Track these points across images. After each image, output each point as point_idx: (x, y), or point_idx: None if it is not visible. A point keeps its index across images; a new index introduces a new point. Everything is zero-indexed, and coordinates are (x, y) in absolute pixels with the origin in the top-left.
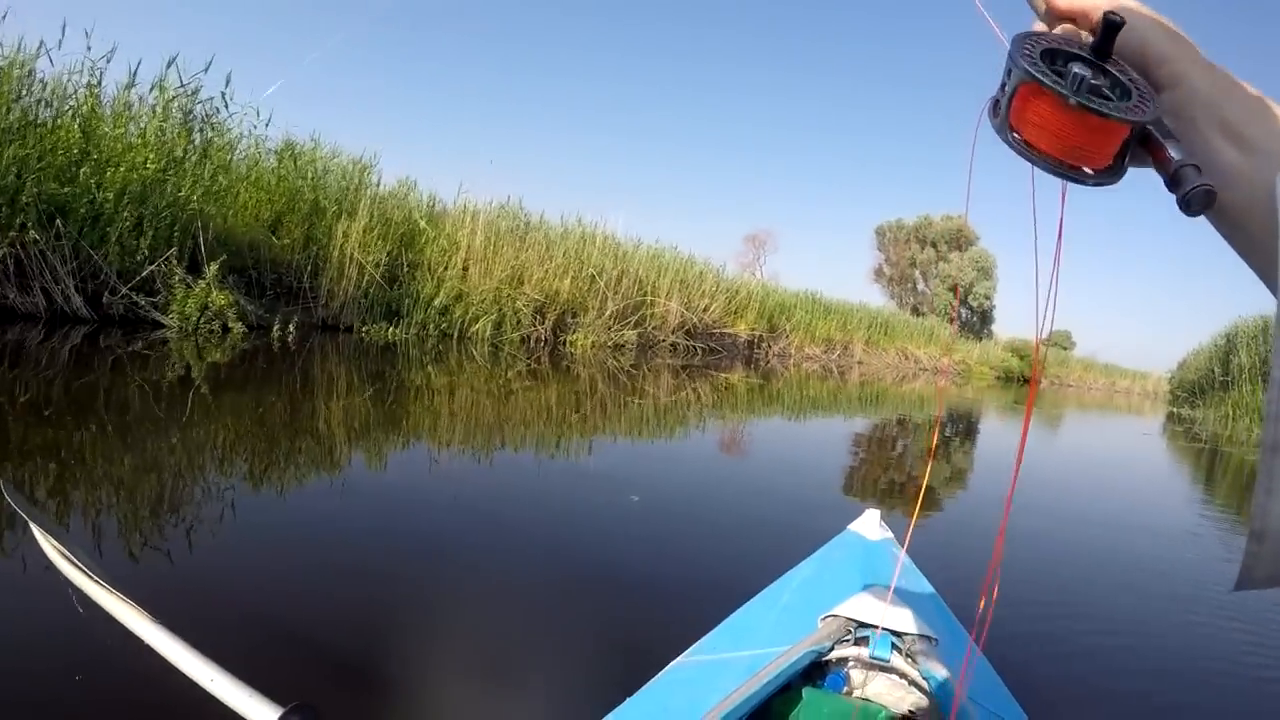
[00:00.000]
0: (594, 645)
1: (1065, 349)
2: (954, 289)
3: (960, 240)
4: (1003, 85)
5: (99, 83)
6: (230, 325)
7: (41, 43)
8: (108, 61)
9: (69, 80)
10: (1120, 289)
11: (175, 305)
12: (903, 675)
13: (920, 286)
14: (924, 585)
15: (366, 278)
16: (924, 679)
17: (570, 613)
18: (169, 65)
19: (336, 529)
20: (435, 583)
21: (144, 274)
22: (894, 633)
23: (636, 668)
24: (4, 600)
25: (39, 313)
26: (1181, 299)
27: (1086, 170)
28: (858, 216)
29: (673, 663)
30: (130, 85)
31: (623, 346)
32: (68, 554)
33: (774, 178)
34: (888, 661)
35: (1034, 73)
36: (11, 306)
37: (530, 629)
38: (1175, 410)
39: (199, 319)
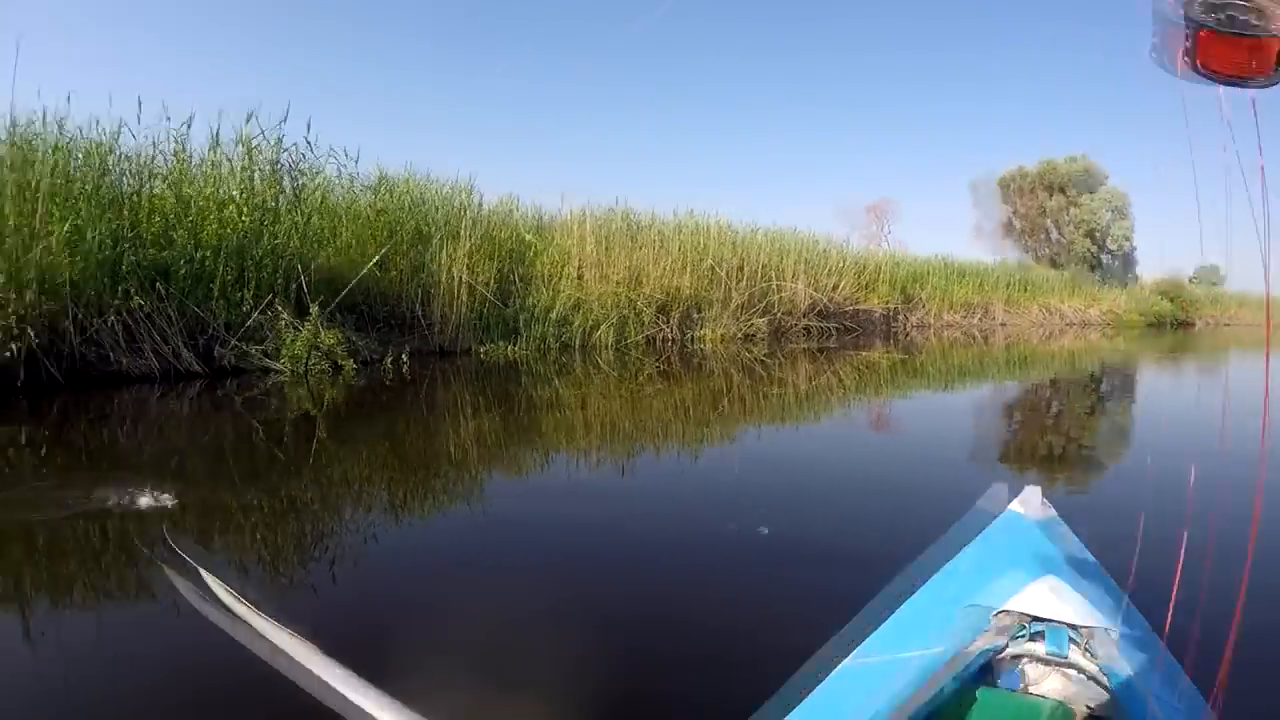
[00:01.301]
0: (752, 644)
1: (1215, 285)
2: (1090, 234)
3: (1090, 181)
4: (1163, 32)
5: (184, 148)
6: (341, 363)
7: (121, 121)
8: (188, 127)
9: (156, 150)
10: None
11: (285, 349)
12: (1082, 671)
13: (1054, 235)
14: (1096, 570)
15: (478, 298)
16: (1104, 675)
17: (728, 610)
18: (248, 120)
19: (479, 550)
20: (583, 600)
21: (250, 323)
22: (1071, 626)
23: (805, 670)
24: (182, 643)
25: (152, 373)
26: None
27: (1260, 79)
28: (978, 170)
29: (844, 662)
30: (215, 145)
31: (754, 336)
32: (238, 595)
33: (884, 144)
34: (1066, 657)
35: (1206, 21)
36: (125, 371)
37: (692, 625)
38: None
39: (308, 360)
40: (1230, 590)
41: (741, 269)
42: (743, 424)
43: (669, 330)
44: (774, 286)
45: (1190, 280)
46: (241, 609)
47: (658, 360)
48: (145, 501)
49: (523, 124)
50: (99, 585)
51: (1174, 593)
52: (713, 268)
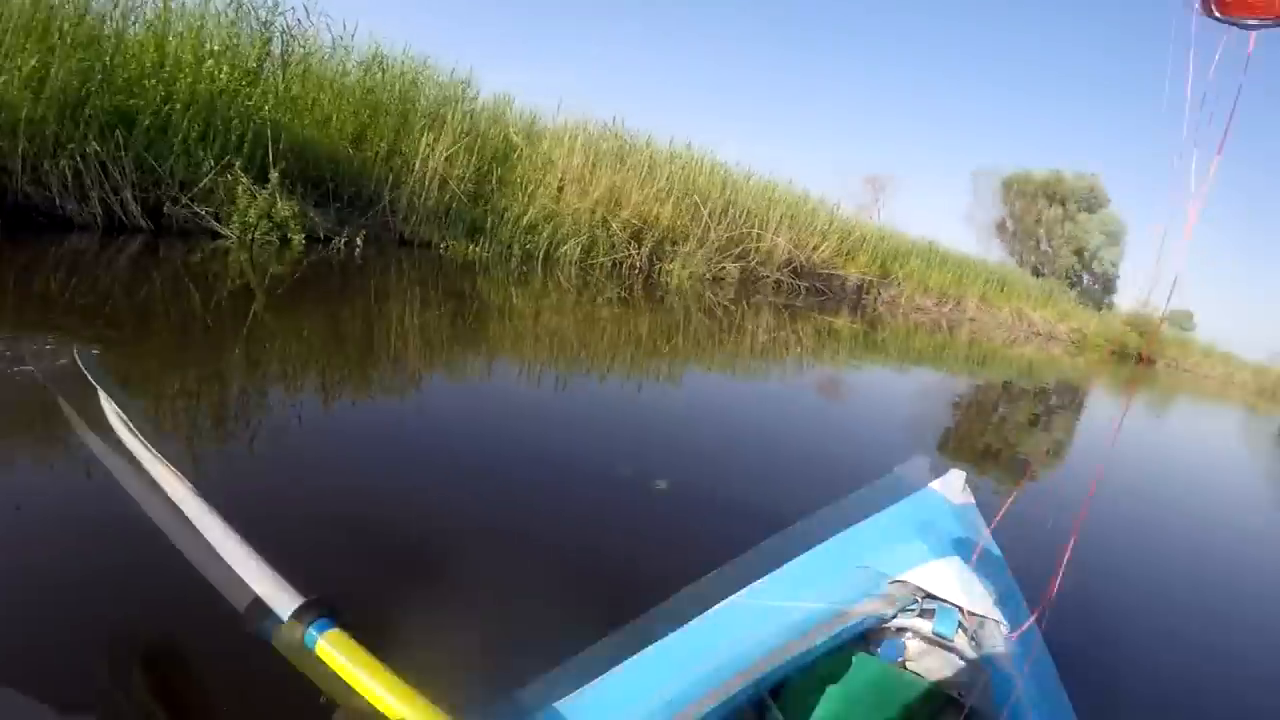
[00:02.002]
0: (639, 573)
1: (1185, 329)
2: (1078, 252)
3: (1091, 202)
4: None
5: None
6: (291, 236)
7: None
8: None
9: None
10: (1252, 271)
11: (237, 214)
12: (963, 657)
13: (1043, 245)
14: (1000, 564)
15: (450, 192)
16: (984, 665)
17: (620, 535)
18: None
19: (392, 441)
20: (483, 503)
21: (205, 183)
22: (962, 610)
23: (687, 601)
24: (57, 464)
25: (96, 223)
26: None
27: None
28: (983, 165)
29: (727, 600)
30: None
31: (723, 280)
32: (128, 421)
33: (899, 117)
34: (950, 640)
35: None
36: (69, 217)
37: (581, 549)
38: None
39: (256, 228)
40: (1106, 596)
41: (726, 211)
42: (691, 365)
43: (638, 259)
44: (754, 235)
45: (1161, 320)
46: (130, 439)
47: (620, 286)
48: (64, 357)
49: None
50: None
51: (1052, 591)
52: (697, 204)
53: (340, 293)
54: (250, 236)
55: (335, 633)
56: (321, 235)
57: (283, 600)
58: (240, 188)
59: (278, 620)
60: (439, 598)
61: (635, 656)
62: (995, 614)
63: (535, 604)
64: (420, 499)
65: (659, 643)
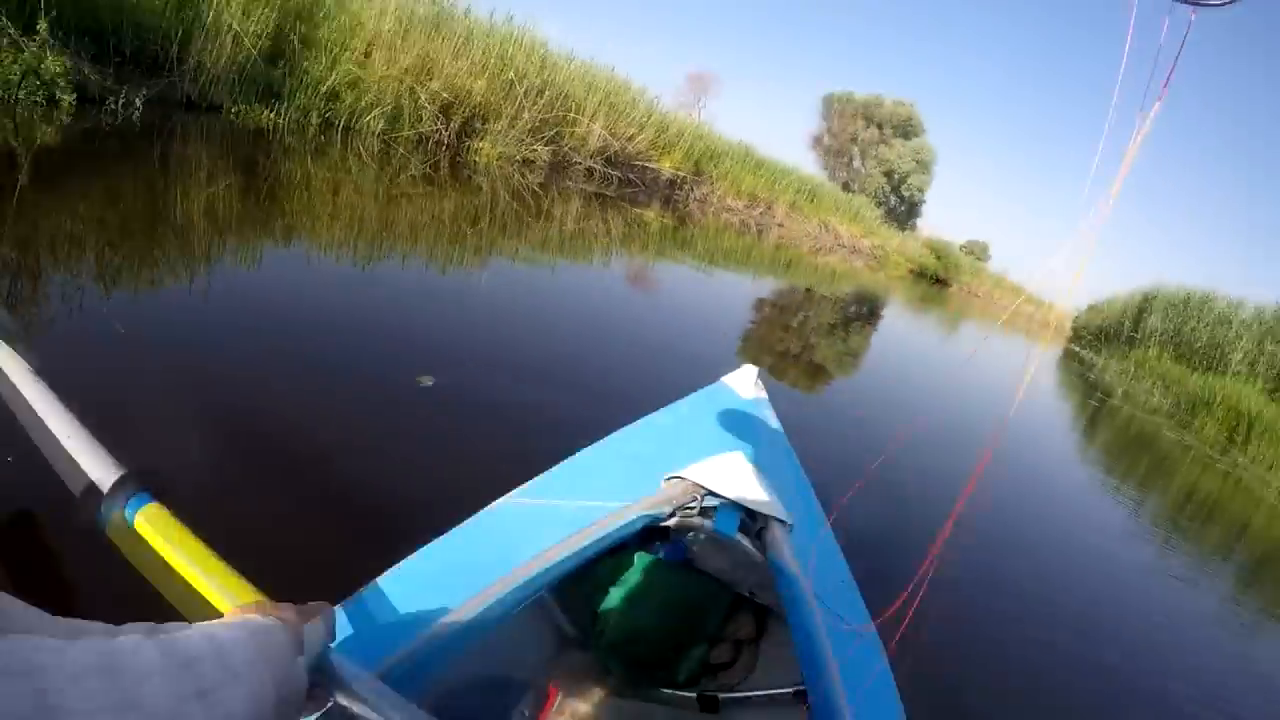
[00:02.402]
0: (415, 470)
1: (980, 260)
2: (888, 174)
3: (907, 129)
4: None
5: None
6: (60, 96)
7: None
8: None
9: None
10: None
11: (1, 70)
12: (748, 555)
13: (856, 164)
14: (790, 459)
15: (244, 50)
16: (771, 563)
17: (403, 427)
18: None
19: (187, 328)
20: (282, 389)
21: None
22: (745, 509)
23: (460, 504)
24: None
25: None
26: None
27: None
28: (807, 79)
29: (494, 503)
30: None
31: (533, 163)
32: None
33: (730, 16)
34: (733, 539)
35: None
36: None
37: (367, 445)
38: (1074, 348)
39: (19, 87)
40: (903, 503)
41: (542, 92)
42: (496, 252)
43: (446, 135)
44: (570, 119)
45: (960, 248)
46: None
47: (425, 163)
48: None
49: None
50: None
51: (846, 494)
52: (513, 81)
53: (117, 163)
54: (13, 97)
55: (154, 506)
56: (96, 95)
57: (105, 469)
58: (4, 40)
59: (99, 494)
60: (228, 485)
61: (406, 559)
62: (780, 513)
63: (312, 506)
64: (207, 387)
65: (427, 546)
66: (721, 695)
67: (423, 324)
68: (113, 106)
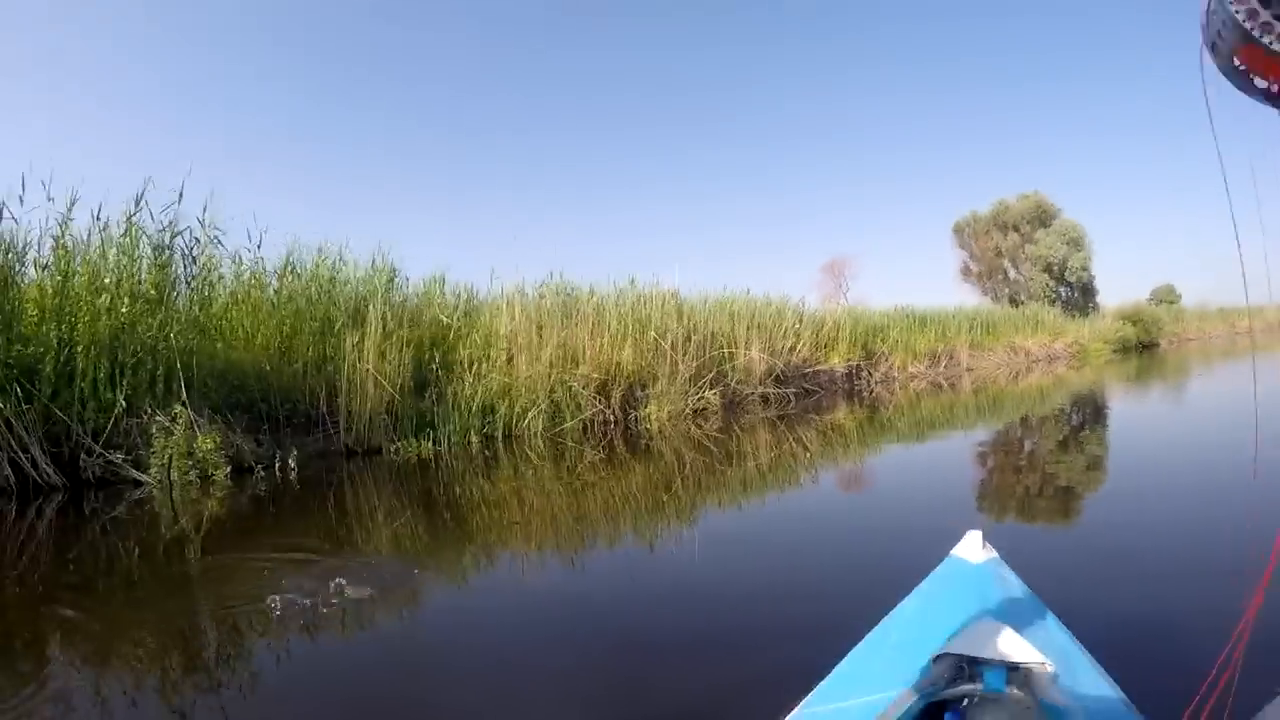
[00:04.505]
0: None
1: (1173, 303)
2: (1048, 269)
3: (1043, 218)
4: (1217, 32)
5: (64, 232)
6: (213, 472)
7: (2, 203)
8: (69, 208)
9: (43, 234)
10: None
11: (155, 458)
12: (1020, 704)
13: (1012, 274)
14: (1036, 606)
15: (387, 391)
16: (1045, 710)
17: (685, 674)
18: (138, 201)
19: (400, 663)
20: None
21: (124, 426)
22: (1008, 665)
23: None
24: None
25: (9, 486)
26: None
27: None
28: (933, 218)
29: (787, 717)
30: (103, 228)
31: (705, 410)
32: None
33: (839, 201)
34: (1003, 693)
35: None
36: None
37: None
38: None
39: (169, 469)
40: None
41: (689, 339)
42: (699, 506)
43: (610, 411)
44: (725, 355)
45: (1149, 301)
46: None
47: (598, 446)
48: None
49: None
50: None
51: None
52: (656, 340)
53: (274, 525)
54: (168, 480)
55: None
56: (250, 464)
57: None
58: (155, 427)
59: None
60: None
61: None
62: (1041, 658)
63: None
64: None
65: None
66: None
67: (643, 608)
68: (262, 472)
